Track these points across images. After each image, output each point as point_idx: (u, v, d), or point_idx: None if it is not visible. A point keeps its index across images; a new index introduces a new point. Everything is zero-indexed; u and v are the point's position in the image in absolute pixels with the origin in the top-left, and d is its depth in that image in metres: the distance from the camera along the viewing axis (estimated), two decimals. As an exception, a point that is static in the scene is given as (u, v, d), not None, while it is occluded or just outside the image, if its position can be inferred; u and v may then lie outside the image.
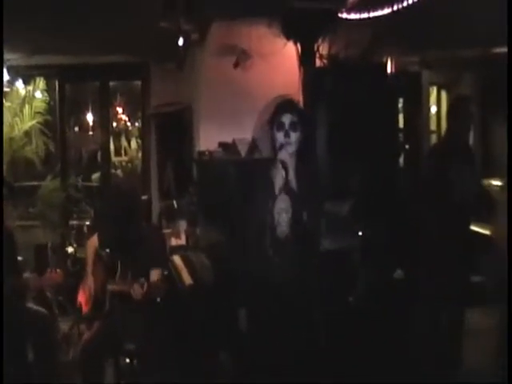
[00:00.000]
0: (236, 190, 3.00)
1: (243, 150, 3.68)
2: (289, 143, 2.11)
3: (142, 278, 2.42)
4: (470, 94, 4.43)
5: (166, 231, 3.98)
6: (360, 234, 2.96)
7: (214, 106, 3.98)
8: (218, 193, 3.52)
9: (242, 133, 3.78)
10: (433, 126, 5.19)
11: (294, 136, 2.12)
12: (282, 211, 2.13)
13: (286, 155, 2.13)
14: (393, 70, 3.75)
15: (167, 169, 4.68)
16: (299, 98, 3.30)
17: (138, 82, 5.39)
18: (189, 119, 4.42)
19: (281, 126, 2.11)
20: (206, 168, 3.95)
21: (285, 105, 2.20)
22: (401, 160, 3.70)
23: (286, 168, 2.10)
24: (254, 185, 2.22)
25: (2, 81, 4.44)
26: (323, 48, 3.59)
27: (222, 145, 3.90)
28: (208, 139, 3.99)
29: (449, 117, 2.94)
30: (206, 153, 3.89)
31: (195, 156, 4.17)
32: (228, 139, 3.82)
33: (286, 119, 2.12)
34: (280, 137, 2.11)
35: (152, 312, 2.56)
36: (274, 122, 2.14)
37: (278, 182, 2.16)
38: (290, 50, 3.71)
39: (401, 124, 3.75)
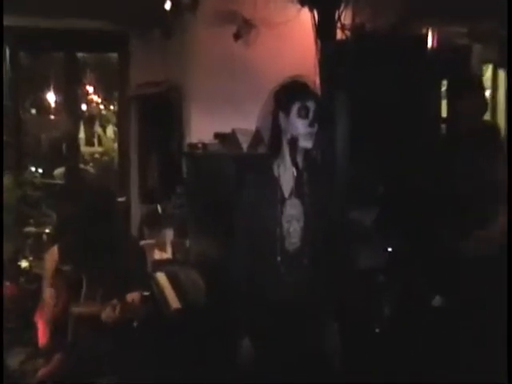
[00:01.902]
0: (236, 192, 3.00)
1: (245, 143, 3.74)
2: (310, 135, 2.16)
3: (115, 300, 2.48)
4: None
5: (148, 242, 4.09)
6: (389, 250, 3.01)
7: (210, 87, 4.03)
8: (214, 195, 3.54)
9: (244, 121, 3.73)
10: (486, 116, 5.41)
11: (316, 126, 2.17)
12: (293, 219, 2.18)
13: (299, 150, 2.18)
14: (434, 45, 3.75)
15: (150, 164, 4.77)
16: (315, 79, 3.28)
17: (115, 55, 5.38)
18: (178, 103, 4.46)
19: (303, 113, 2.14)
20: (198, 164, 3.99)
21: (302, 88, 2.23)
22: (442, 159, 3.66)
23: (297, 166, 2.15)
24: (258, 186, 2.25)
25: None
26: (346, 16, 3.58)
27: (218, 136, 3.96)
28: (201, 128, 4.04)
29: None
30: (199, 145, 3.95)
31: (185, 149, 4.23)
32: (226, 129, 3.85)
33: (311, 105, 2.16)
34: (300, 126, 2.15)
35: (127, 341, 2.59)
36: (286, 109, 2.17)
37: (288, 182, 2.20)
38: (305, 19, 3.70)
39: (444, 113, 3.72)
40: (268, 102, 2.33)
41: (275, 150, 2.25)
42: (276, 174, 2.23)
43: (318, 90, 2.98)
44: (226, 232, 2.94)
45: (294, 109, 2.15)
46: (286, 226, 2.18)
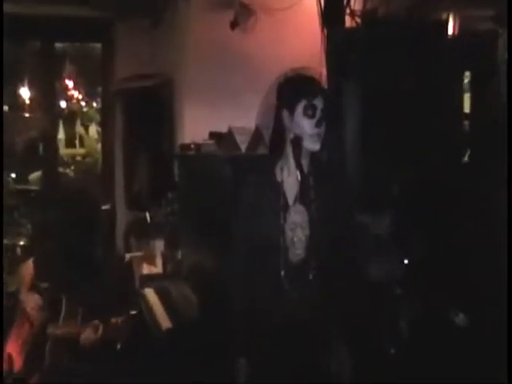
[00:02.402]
0: (233, 198, 3.00)
1: (243, 143, 3.70)
2: (318, 136, 2.18)
3: (97, 320, 2.51)
4: None
5: (135, 254, 4.11)
6: (406, 261, 3.00)
7: (204, 81, 4.05)
8: (209, 201, 3.55)
9: (242, 119, 3.77)
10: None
11: (324, 126, 2.20)
12: (297, 227, 2.21)
13: (305, 151, 2.20)
14: (455, 32, 3.75)
15: (138, 167, 4.80)
16: (322, 71, 3.25)
17: (98, 45, 5.41)
18: (168, 99, 4.49)
19: (310, 112, 2.16)
20: (191, 167, 4.00)
21: (309, 82, 2.25)
22: (465, 159, 3.67)
23: (302, 169, 2.17)
24: (258, 191, 2.27)
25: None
26: (355, 0, 3.57)
27: (213, 135, 3.97)
28: (195, 127, 4.06)
29: None
30: (193, 146, 3.96)
31: (177, 150, 4.24)
32: (222, 127, 3.87)
33: (319, 103, 2.18)
34: (306, 127, 2.17)
35: (111, 365, 2.63)
36: (291, 107, 2.19)
37: (292, 187, 2.23)
38: (309, 4, 3.72)
39: (467, 108, 3.72)
40: (269, 97, 2.36)
41: (278, 151, 2.28)
42: (278, 177, 2.26)
43: (325, 84, 3.00)
44: (223, 242, 2.94)
45: (300, 107, 2.17)
46: (289, 235, 2.20)
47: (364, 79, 3.17)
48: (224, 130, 3.87)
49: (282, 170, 2.25)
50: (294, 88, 2.22)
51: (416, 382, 2.74)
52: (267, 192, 2.25)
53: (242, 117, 3.78)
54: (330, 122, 2.23)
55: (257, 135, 3.65)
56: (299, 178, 2.16)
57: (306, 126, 2.16)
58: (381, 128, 3.14)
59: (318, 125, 2.16)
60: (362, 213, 2.61)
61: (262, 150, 3.56)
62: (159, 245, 4.16)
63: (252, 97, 3.70)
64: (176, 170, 4.29)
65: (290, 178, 2.23)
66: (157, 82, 4.58)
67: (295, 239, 2.20)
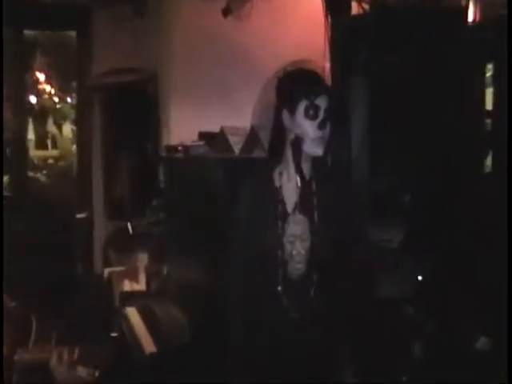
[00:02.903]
0: (226, 206, 2.95)
1: (237, 145, 3.73)
2: (321, 139, 2.18)
3: (72, 343, 2.50)
4: None
5: (116, 269, 4.06)
6: (420, 278, 3.00)
7: (193, 76, 4.14)
8: (199, 210, 3.54)
9: (236, 118, 3.83)
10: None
11: (328, 128, 2.20)
12: (296, 239, 2.22)
13: (305, 154, 2.20)
14: (476, 18, 3.65)
15: (119, 171, 4.79)
16: (325, 64, 3.35)
17: (73, 34, 5.41)
18: (153, 95, 4.57)
19: (312, 113, 2.16)
20: (179, 171, 4.00)
21: (311, 79, 2.25)
22: (487, 163, 3.68)
23: (303, 173, 2.18)
24: (253, 198, 2.28)
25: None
26: None
27: (204, 135, 3.99)
28: (183, 126, 4.12)
29: None
30: (180, 147, 3.98)
31: (163, 152, 4.27)
32: (214, 127, 3.87)
33: (322, 102, 2.18)
34: (308, 129, 2.17)
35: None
36: (291, 106, 2.19)
37: (292, 194, 2.24)
38: None
39: (489, 105, 3.70)
40: (266, 94, 2.37)
41: (276, 154, 2.29)
42: (277, 183, 2.27)
43: (329, 80, 2.99)
44: (215, 256, 3.01)
45: (301, 107, 2.18)
46: (288, 247, 2.22)
47: (373, 74, 3.15)
48: (216, 129, 3.86)
49: (280, 174, 2.27)
50: (294, 85, 2.22)
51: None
52: (264, 199, 2.26)
53: (235, 116, 3.85)
54: (335, 123, 2.22)
55: (252, 136, 3.69)
56: (299, 183, 2.17)
57: (307, 129, 2.17)
58: (392, 129, 3.13)
59: (321, 127, 2.16)
60: (371, 224, 2.62)
61: (258, 153, 3.60)
62: (143, 258, 4.16)
63: (247, 93, 3.82)
64: (162, 175, 4.32)
65: (289, 184, 2.24)
66: (140, 77, 4.71)
67: (294, 252, 2.21)
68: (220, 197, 3.16)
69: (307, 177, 2.21)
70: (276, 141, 2.28)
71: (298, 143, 2.17)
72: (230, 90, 4.09)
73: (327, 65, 3.28)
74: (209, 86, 4.13)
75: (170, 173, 4.18)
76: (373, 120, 3.16)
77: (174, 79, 4.29)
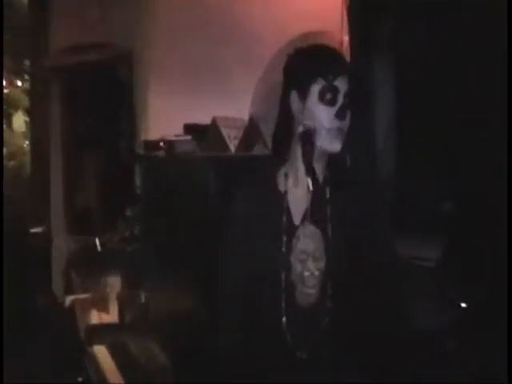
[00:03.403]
0: (219, 216, 2.90)
1: (233, 139, 3.71)
2: (339, 131, 2.16)
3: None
4: None
5: (80, 297, 4.03)
6: (462, 305, 2.95)
7: (177, 55, 4.11)
8: (185, 220, 3.52)
9: (232, 106, 3.84)
10: None
11: (348, 117, 2.17)
12: (308, 257, 2.18)
13: (319, 151, 2.16)
14: None
15: (84, 174, 4.80)
16: (342, 37, 3.35)
17: (23, 2, 5.57)
18: (127, 78, 4.53)
19: (330, 96, 2.14)
20: (160, 172, 3.98)
21: (328, 55, 2.22)
22: None
23: (315, 175, 2.13)
24: (253, 206, 2.26)
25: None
26: None
27: (191, 128, 3.97)
28: (165, 117, 4.13)
29: None
30: (162, 143, 3.96)
31: (140, 149, 4.24)
32: (203, 118, 3.84)
33: (342, 85, 2.16)
34: (323, 117, 2.14)
35: None
36: (303, 88, 2.17)
37: (300, 201, 2.21)
38: None
39: None
40: (269, 77, 2.33)
41: (281, 151, 2.26)
42: (282, 187, 2.25)
43: (348, 57, 2.96)
44: (204, 280, 2.96)
45: (315, 89, 2.15)
46: (297, 267, 2.18)
47: (402, 51, 3.15)
48: (206, 121, 3.83)
49: (286, 176, 2.24)
50: (308, 62, 2.19)
51: None
52: (266, 207, 2.23)
53: (230, 104, 3.87)
54: (357, 111, 2.20)
55: (252, 129, 3.66)
56: (311, 187, 2.11)
57: (322, 117, 2.13)
58: (426, 120, 3.10)
59: (339, 115, 2.13)
60: (401, 238, 2.58)
61: (259, 150, 3.58)
62: (114, 283, 4.12)
63: (245, 76, 3.80)
64: (138, 178, 4.27)
65: (297, 189, 2.21)
66: (110, 55, 4.64)
67: (306, 274, 2.17)
68: (211, 205, 3.14)
69: (320, 179, 2.17)
70: (281, 134, 2.25)
71: (309, 136, 2.13)
72: (223, 72, 4.07)
73: (345, 38, 3.29)
74: (197, 68, 4.12)
75: (149, 175, 4.13)
76: (401, 107, 3.17)
77: (154, 59, 4.28)
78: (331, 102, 2.13)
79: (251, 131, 3.63)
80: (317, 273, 2.17)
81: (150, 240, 4.05)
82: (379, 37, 3.19)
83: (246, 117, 3.69)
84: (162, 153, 3.95)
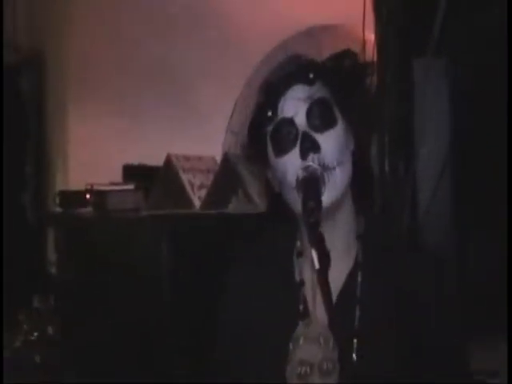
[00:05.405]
0: (173, 308, 2.94)
1: (197, 191, 3.76)
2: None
3: None
4: None
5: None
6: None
7: (110, 57, 4.17)
8: (123, 314, 3.62)
9: (198, 137, 3.82)
10: None
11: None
12: (313, 367, 2.13)
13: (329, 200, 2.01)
14: None
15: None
16: (362, 35, 3.46)
17: None
18: (35, 92, 4.59)
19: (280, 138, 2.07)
20: (84, 241, 4.06)
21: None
22: None
23: (323, 244, 2.07)
24: (240, 289, 2.18)
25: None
26: None
27: (133, 172, 4.07)
28: (92, 153, 4.06)
29: None
30: (87, 196, 4.03)
31: (54, 204, 4.33)
32: (153, 156, 3.95)
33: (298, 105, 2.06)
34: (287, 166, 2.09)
35: None
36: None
37: (305, 281, 2.18)
38: None
39: None
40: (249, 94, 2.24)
41: (277, 207, 2.21)
42: (297, 275, 2.22)
43: (374, 59, 3.14)
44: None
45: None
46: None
47: (454, 50, 3.32)
48: (157, 161, 3.90)
49: (300, 255, 2.22)
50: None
51: None
52: (251, 292, 2.20)
53: (192, 133, 3.78)
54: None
55: (226, 173, 3.70)
56: (317, 264, 1.97)
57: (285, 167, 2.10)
58: (488, 149, 3.27)
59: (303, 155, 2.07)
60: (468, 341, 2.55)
61: (239, 206, 3.64)
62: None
63: (213, 91, 3.88)
64: (51, 250, 4.22)
65: (303, 264, 2.22)
66: (12, 59, 4.68)
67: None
68: (165, 295, 3.30)
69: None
70: (269, 186, 2.18)
71: (313, 181, 2.06)
72: (183, 83, 4.06)
73: (369, 36, 3.43)
74: (142, 76, 4.12)
75: (68, 245, 4.13)
76: (458, 132, 3.28)
77: (75, 63, 4.29)
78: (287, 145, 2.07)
79: (226, 176, 3.59)
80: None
81: (68, 344, 4.00)
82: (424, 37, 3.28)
83: (217, 154, 3.61)
84: (88, 210, 3.95)
